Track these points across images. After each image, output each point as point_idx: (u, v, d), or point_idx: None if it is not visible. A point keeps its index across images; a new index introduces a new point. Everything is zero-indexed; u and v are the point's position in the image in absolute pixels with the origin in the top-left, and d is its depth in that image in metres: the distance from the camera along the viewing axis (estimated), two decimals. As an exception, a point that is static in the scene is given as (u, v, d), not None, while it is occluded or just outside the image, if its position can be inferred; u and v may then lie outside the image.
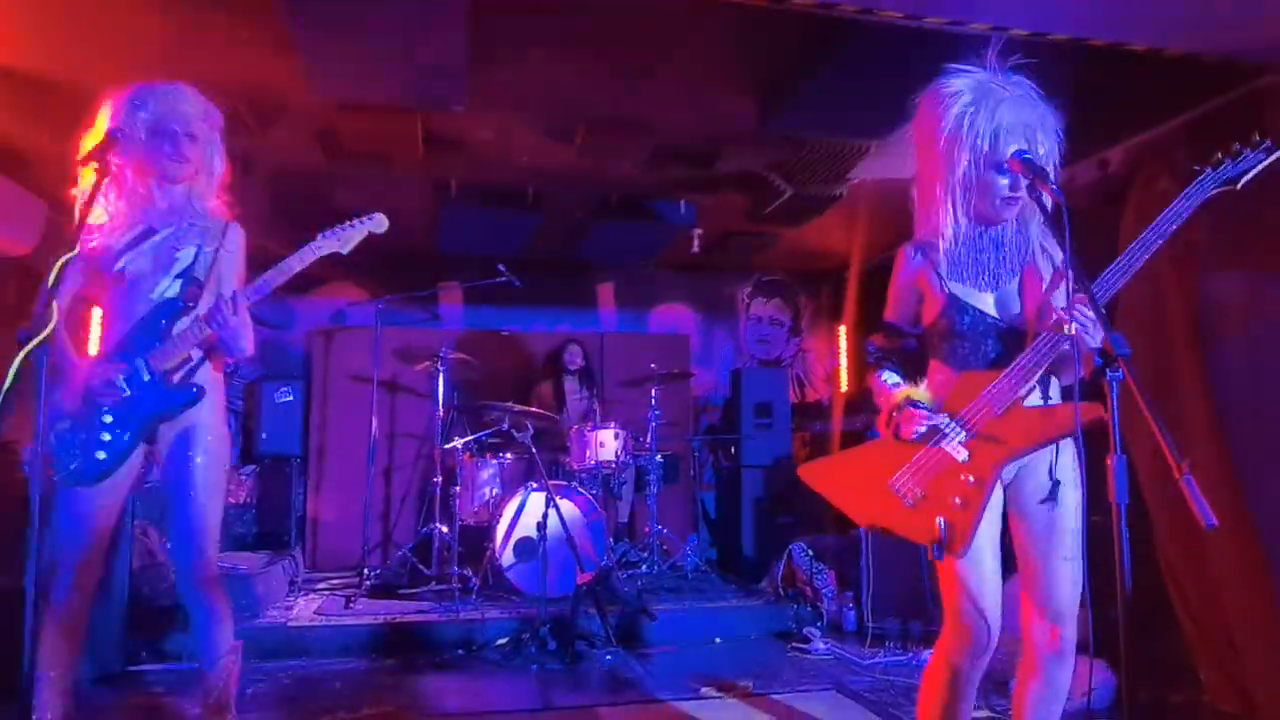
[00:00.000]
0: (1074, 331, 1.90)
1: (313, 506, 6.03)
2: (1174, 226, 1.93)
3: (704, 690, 3.63)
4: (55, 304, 1.85)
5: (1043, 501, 2.05)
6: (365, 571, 5.18)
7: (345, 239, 2.47)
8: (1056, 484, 2.02)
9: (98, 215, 2.34)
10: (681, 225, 5.53)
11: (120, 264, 2.34)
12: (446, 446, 5.28)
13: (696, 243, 5.94)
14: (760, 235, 6.01)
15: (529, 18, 3.18)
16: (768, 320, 7.56)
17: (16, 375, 1.77)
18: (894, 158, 4.28)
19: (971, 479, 1.97)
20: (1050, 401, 2.05)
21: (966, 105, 2.03)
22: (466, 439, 5.24)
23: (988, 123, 2.00)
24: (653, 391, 5.57)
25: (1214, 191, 1.97)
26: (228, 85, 3.51)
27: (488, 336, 6.58)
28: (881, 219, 5.44)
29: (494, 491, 5.23)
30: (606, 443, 5.23)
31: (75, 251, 1.90)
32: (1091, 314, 1.80)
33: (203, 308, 2.37)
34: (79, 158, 2.27)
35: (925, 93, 2.13)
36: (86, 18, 3.10)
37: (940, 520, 1.96)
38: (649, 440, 5.50)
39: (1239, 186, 1.99)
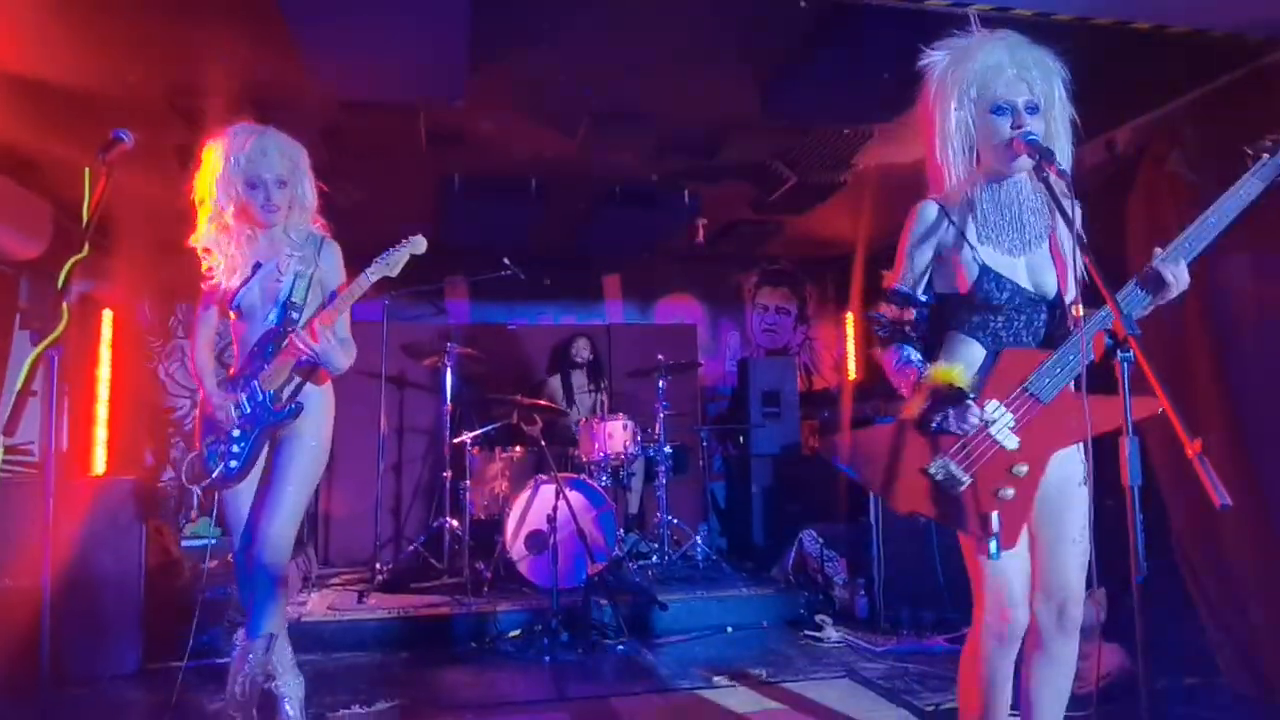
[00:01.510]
0: (1078, 311, 1.88)
1: (324, 503, 6.05)
2: (1230, 220, 1.83)
3: (717, 679, 3.64)
4: (65, 305, 1.87)
5: (1080, 485, 1.98)
6: (377, 566, 5.20)
7: (393, 263, 2.75)
8: (1092, 466, 1.87)
9: (214, 260, 2.72)
10: (685, 215, 5.52)
11: (236, 301, 2.72)
12: (455, 441, 5.29)
13: (701, 232, 5.93)
14: (765, 224, 5.99)
15: (528, 9, 3.17)
16: (774, 309, 7.55)
17: (27, 377, 1.78)
18: (897, 143, 4.26)
19: (1024, 470, 1.89)
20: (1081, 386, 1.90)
21: (946, 61, 2.01)
22: (475, 433, 5.25)
23: (972, 66, 1.95)
24: (660, 382, 5.57)
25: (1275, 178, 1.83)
26: (230, 85, 3.52)
27: (494, 330, 6.59)
28: (886, 205, 5.41)
29: (503, 485, 5.24)
30: (615, 434, 5.23)
31: (85, 253, 1.93)
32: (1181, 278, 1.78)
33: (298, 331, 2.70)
34: (195, 199, 2.70)
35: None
36: (89, 21, 3.11)
37: (996, 515, 1.86)
38: (657, 431, 5.50)
39: None
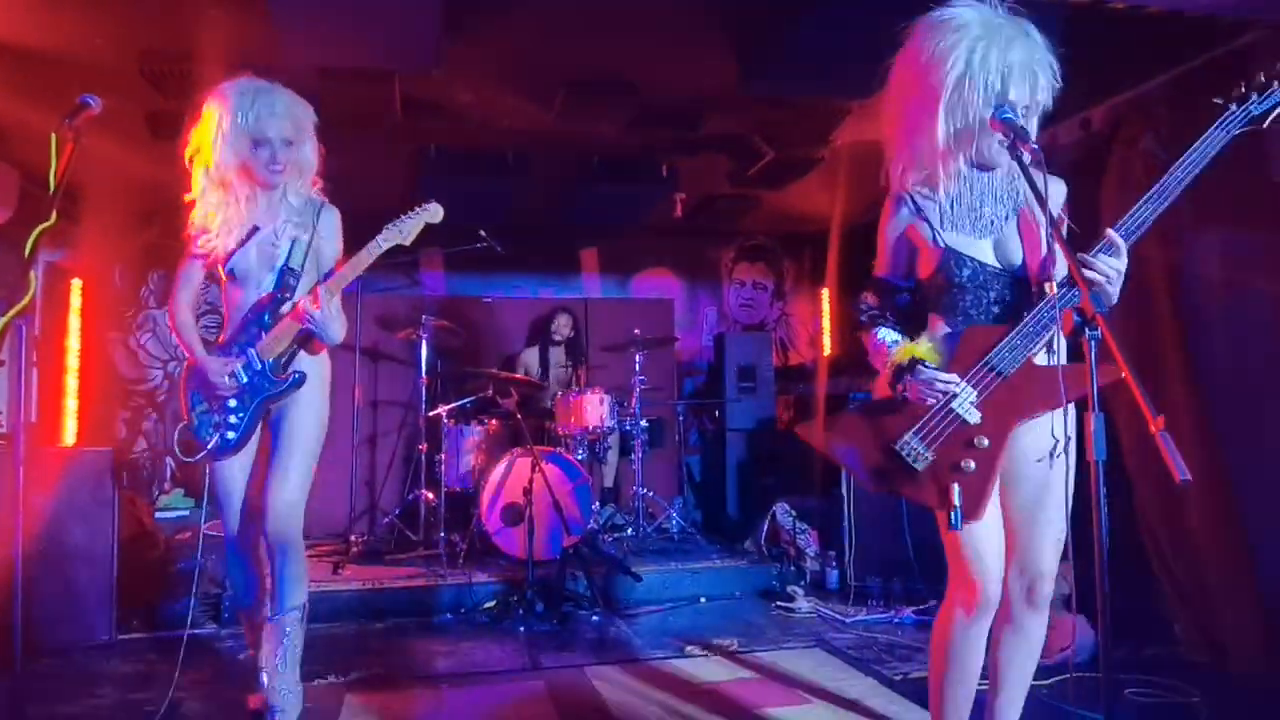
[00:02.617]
0: (1052, 289, 1.90)
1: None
2: (1195, 173, 1.81)
3: (689, 649, 3.69)
4: (33, 274, 1.84)
5: (1039, 461, 1.99)
6: (352, 538, 5.20)
7: (407, 231, 2.64)
8: (1067, 440, 1.94)
9: (207, 218, 2.59)
10: (664, 188, 5.50)
11: (230, 264, 2.60)
12: (431, 414, 5.28)
13: (679, 206, 5.91)
14: (743, 199, 5.99)
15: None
16: (751, 284, 7.57)
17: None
18: (875, 120, 4.24)
19: (986, 442, 1.91)
20: (1054, 359, 1.94)
21: (977, 38, 1.88)
22: (451, 406, 5.24)
23: (1000, 58, 1.87)
24: (637, 356, 5.58)
25: (1239, 132, 1.83)
26: (201, 50, 3.44)
27: (470, 303, 6.55)
28: (863, 182, 5.42)
29: (479, 457, 5.24)
30: (591, 408, 5.24)
31: (53, 221, 1.89)
32: (1116, 268, 1.79)
33: (302, 297, 2.60)
34: (189, 154, 2.57)
35: (922, 22, 1.98)
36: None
37: (956, 487, 1.90)
38: (634, 405, 5.52)
39: (1265, 126, 1.84)
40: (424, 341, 5.34)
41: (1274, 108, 1.85)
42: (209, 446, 2.61)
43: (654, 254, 7.28)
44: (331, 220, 2.72)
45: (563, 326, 6.07)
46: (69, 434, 5.61)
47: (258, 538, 2.70)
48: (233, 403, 2.61)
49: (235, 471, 2.67)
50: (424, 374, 5.38)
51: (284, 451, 2.62)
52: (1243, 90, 1.87)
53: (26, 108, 3.81)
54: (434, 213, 2.67)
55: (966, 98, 1.90)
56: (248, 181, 2.59)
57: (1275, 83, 1.84)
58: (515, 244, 5.59)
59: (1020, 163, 1.84)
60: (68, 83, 3.52)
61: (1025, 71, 1.90)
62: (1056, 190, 2.06)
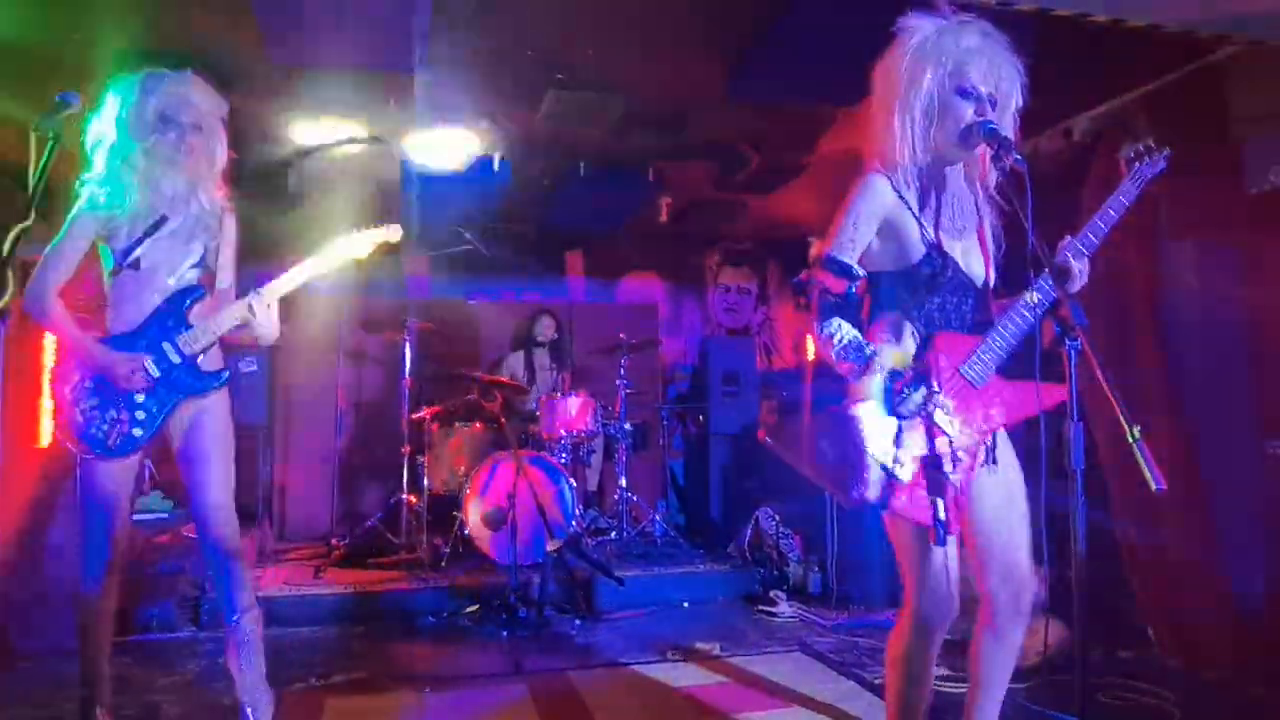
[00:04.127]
0: (1035, 299, 1.92)
1: (280, 477, 5.98)
2: (1119, 214, 1.99)
3: (671, 653, 3.70)
4: (10, 273, 1.81)
5: (1003, 468, 2.00)
6: (334, 542, 5.17)
7: (359, 246, 2.68)
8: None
9: (112, 201, 2.45)
10: (649, 192, 5.51)
11: (135, 253, 2.47)
12: (414, 416, 5.25)
13: (665, 211, 5.93)
14: (728, 204, 6.01)
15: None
16: (735, 289, 7.59)
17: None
18: (860, 127, 4.28)
19: (961, 454, 1.91)
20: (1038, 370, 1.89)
21: (930, 32, 1.96)
22: (434, 408, 5.22)
23: (954, 44, 1.93)
24: (622, 360, 5.58)
25: (1146, 183, 2.04)
26: (188, 54, 3.42)
27: (454, 305, 6.52)
28: (849, 189, 5.46)
29: (463, 461, 5.22)
30: (575, 411, 5.24)
31: (30, 221, 1.86)
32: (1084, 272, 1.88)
33: (213, 295, 2.57)
34: (92, 138, 2.47)
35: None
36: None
37: (940, 501, 1.85)
38: (618, 409, 5.52)
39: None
40: (407, 343, 5.31)
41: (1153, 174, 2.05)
42: (112, 443, 2.43)
43: (639, 258, 7.29)
44: (233, 226, 2.66)
45: (546, 329, 6.05)
46: (45, 435, 5.54)
47: (124, 545, 2.59)
48: (140, 398, 2.46)
49: (114, 473, 2.49)
50: (407, 376, 5.35)
51: (213, 453, 2.54)
52: (1141, 149, 2.06)
53: (2, 101, 3.77)
54: (393, 232, 2.72)
55: (921, 79, 1.92)
56: (151, 167, 2.48)
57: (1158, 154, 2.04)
58: (500, 246, 5.59)
59: (1004, 173, 1.87)
60: (46, 77, 3.48)
61: (980, 56, 1.93)
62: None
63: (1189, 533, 3.38)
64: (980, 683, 2.16)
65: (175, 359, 2.49)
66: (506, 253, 6.45)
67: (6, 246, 1.83)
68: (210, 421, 2.56)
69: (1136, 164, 2.03)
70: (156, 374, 2.47)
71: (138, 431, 2.46)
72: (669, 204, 5.89)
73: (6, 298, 1.77)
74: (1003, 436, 2.02)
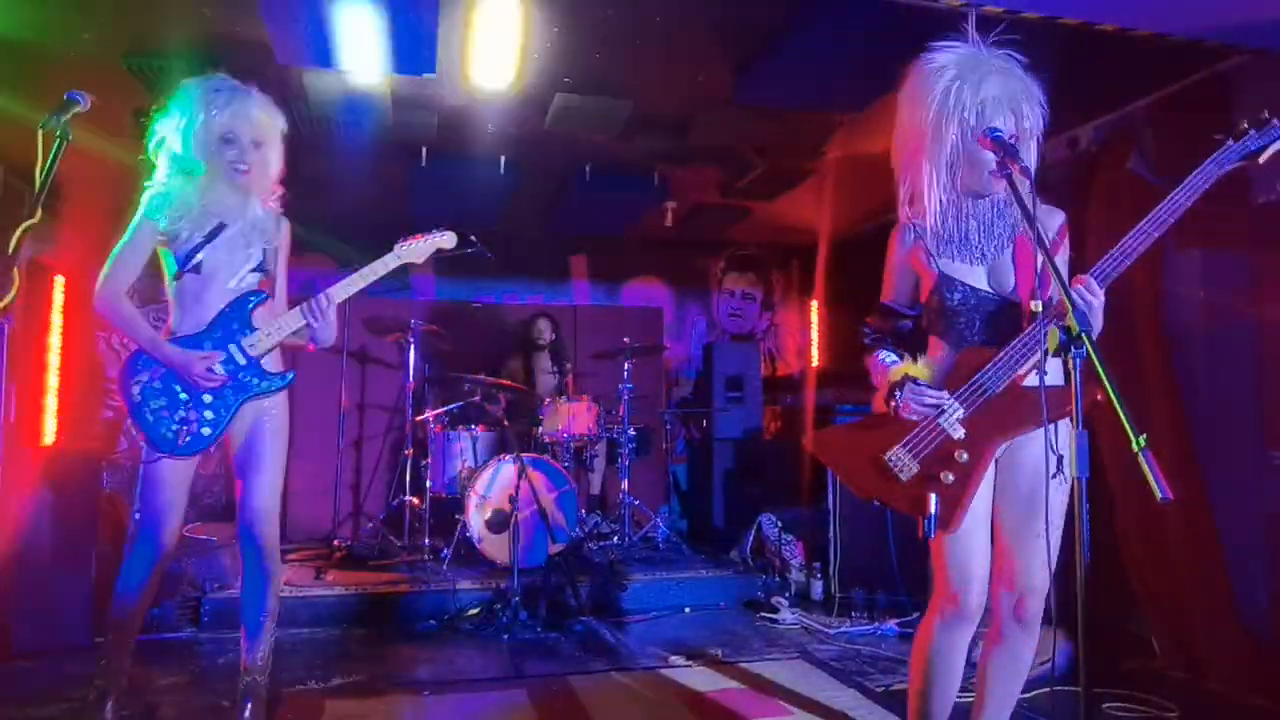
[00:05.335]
0: (1039, 309, 1.92)
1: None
2: (1189, 202, 1.93)
3: (673, 659, 3.69)
4: (16, 271, 1.82)
5: (1034, 478, 2.03)
6: (336, 543, 5.17)
7: (419, 253, 2.74)
8: (1059, 459, 1.93)
9: (174, 206, 2.51)
10: (655, 197, 5.51)
11: (197, 258, 2.54)
12: (418, 418, 5.25)
13: (670, 215, 5.93)
14: (733, 209, 6.01)
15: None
16: (740, 294, 7.59)
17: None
18: (866, 132, 4.29)
19: (965, 456, 1.98)
20: (1045, 379, 1.94)
21: (953, 79, 2.01)
22: (438, 411, 5.22)
23: (974, 95, 1.99)
24: (625, 365, 5.58)
25: (1233, 166, 1.95)
26: (190, 48, 3.43)
27: (459, 308, 6.54)
28: (854, 193, 5.46)
29: (466, 463, 5.23)
30: (579, 415, 5.24)
31: (36, 219, 1.87)
32: (1098, 296, 1.86)
33: (274, 301, 2.66)
34: (155, 142, 2.56)
35: (910, 68, 2.11)
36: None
37: (933, 496, 1.97)
38: (621, 413, 5.52)
39: (1260, 161, 1.96)
40: (412, 346, 5.32)
41: (1270, 143, 1.95)
42: (178, 444, 2.48)
43: (644, 262, 7.29)
44: (287, 231, 2.75)
45: (543, 330, 6.04)
46: (49, 433, 5.55)
47: (175, 546, 2.62)
48: (208, 398, 2.52)
49: (177, 474, 2.55)
50: (411, 378, 5.36)
51: (268, 454, 2.61)
52: (1244, 127, 1.97)
53: (11, 100, 3.78)
54: (448, 239, 2.78)
55: (945, 134, 2.02)
56: (214, 177, 2.56)
57: (1274, 120, 1.95)
58: (506, 250, 5.59)
59: (1009, 180, 1.87)
60: (54, 76, 3.51)
61: (1001, 104, 2.00)
62: (1054, 220, 2.13)
63: (1193, 547, 3.36)
64: (984, 691, 2.17)
65: (241, 360, 2.56)
66: (512, 257, 6.45)
67: (12, 244, 1.84)
68: (270, 425, 2.63)
69: (1231, 139, 1.96)
70: (224, 375, 2.54)
71: (206, 430, 2.51)
72: (674, 209, 5.88)
73: (11, 295, 1.77)
74: (1035, 447, 2.02)
